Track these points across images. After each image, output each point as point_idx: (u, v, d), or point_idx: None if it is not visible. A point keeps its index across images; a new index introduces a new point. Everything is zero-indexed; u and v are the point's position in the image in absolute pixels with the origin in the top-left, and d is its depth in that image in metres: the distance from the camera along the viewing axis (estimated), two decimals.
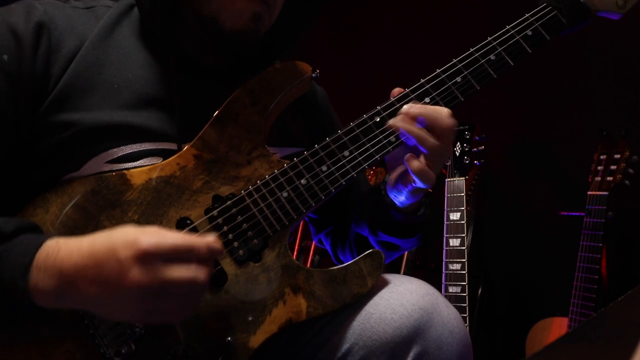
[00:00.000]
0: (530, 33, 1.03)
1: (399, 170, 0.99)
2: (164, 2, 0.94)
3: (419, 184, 0.95)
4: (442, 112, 0.93)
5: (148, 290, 0.72)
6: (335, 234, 1.20)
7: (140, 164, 0.90)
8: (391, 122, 0.95)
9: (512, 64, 1.02)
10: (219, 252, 0.76)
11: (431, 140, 0.92)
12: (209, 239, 0.76)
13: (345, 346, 0.88)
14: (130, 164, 0.89)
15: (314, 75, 1.00)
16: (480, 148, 2.14)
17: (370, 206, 1.09)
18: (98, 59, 0.92)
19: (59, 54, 0.90)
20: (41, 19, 0.89)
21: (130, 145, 0.90)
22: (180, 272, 0.73)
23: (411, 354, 0.84)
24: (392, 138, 0.96)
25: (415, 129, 0.93)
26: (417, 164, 0.93)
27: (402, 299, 0.87)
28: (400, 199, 1.02)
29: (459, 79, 1.00)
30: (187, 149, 0.92)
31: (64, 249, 0.76)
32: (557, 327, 2.00)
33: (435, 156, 0.94)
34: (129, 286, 0.72)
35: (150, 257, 0.72)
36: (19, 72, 0.86)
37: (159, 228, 0.78)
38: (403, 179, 0.98)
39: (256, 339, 0.87)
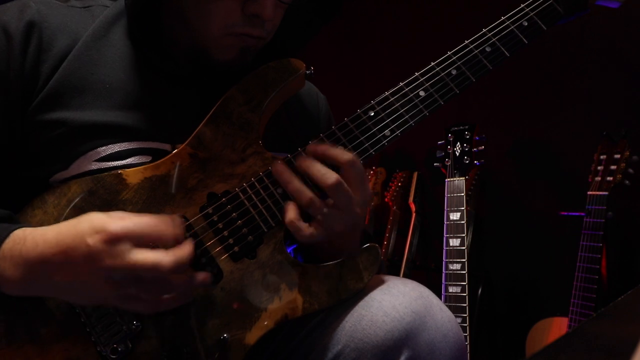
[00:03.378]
0: (525, 23, 1.03)
1: None
2: (138, 19, 0.94)
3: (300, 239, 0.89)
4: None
5: (117, 273, 0.74)
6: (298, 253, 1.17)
7: (129, 162, 0.90)
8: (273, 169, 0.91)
9: (507, 55, 1.02)
10: (182, 232, 0.79)
11: (306, 194, 0.87)
12: (175, 220, 0.78)
13: (337, 348, 0.87)
14: (118, 162, 0.90)
15: (307, 72, 1.00)
16: (480, 148, 2.14)
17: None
18: (91, 59, 0.93)
19: (50, 52, 0.90)
20: (32, 18, 0.90)
21: (118, 144, 0.90)
22: (146, 255, 0.74)
23: (402, 358, 0.83)
24: (386, 132, 0.96)
25: (296, 183, 0.88)
26: (290, 214, 0.87)
27: (394, 302, 0.86)
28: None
29: (453, 71, 0.99)
30: (182, 147, 0.92)
31: (29, 239, 0.77)
32: (557, 327, 2.00)
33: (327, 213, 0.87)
34: (98, 270, 0.74)
35: (117, 241, 0.74)
36: (7, 70, 0.87)
37: (123, 212, 0.79)
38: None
39: (252, 335, 0.87)
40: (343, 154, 0.89)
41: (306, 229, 0.87)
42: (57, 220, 0.85)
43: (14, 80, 0.88)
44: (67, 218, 0.86)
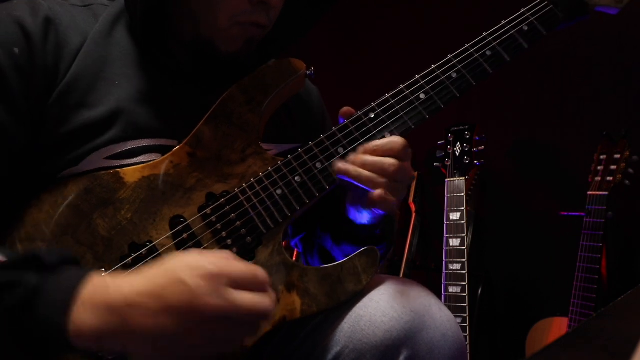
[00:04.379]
0: (526, 28, 1.03)
1: (357, 191, 0.95)
2: (144, 17, 0.94)
3: (380, 211, 0.93)
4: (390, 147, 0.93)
5: (222, 314, 0.67)
6: (306, 240, 1.17)
7: (139, 160, 0.90)
8: (337, 167, 0.93)
9: (508, 59, 1.02)
10: (269, 280, 0.73)
11: (380, 180, 0.91)
12: (262, 271, 0.73)
13: (336, 349, 0.87)
14: (129, 160, 0.89)
15: (308, 72, 1.01)
16: (480, 148, 2.14)
17: (333, 218, 1.06)
18: (101, 56, 0.93)
19: (66, 49, 0.90)
20: (48, 14, 0.89)
21: (130, 142, 0.90)
22: (251, 297, 0.68)
23: (401, 358, 0.82)
24: (386, 134, 0.96)
25: (364, 173, 0.91)
26: (377, 193, 0.90)
27: (392, 301, 0.86)
28: (361, 219, 0.99)
29: (454, 74, 0.99)
30: (181, 146, 0.92)
31: (112, 284, 0.69)
32: (557, 327, 2.00)
33: (393, 188, 0.92)
34: (196, 311, 0.66)
35: (217, 279, 0.67)
36: (31, 66, 0.86)
37: (212, 252, 0.73)
38: (363, 201, 0.95)
39: (250, 338, 0.86)
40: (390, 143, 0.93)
41: (392, 199, 0.91)
42: (52, 219, 0.85)
43: (38, 77, 0.86)
44: (62, 215, 0.85)
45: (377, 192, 0.90)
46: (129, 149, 0.89)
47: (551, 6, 1.05)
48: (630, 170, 1.92)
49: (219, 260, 0.69)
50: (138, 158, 0.90)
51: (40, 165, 0.88)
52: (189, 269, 0.67)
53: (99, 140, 0.88)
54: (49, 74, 0.88)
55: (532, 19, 1.04)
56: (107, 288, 0.68)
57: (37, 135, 0.88)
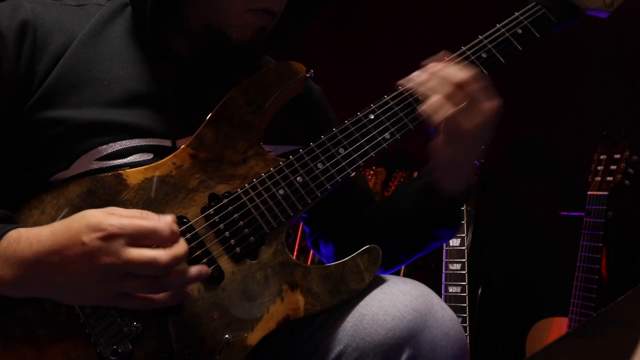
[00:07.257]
0: (520, 31, 1.06)
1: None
2: (155, 2, 0.94)
3: (438, 159, 0.97)
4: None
5: (113, 270, 0.73)
6: (337, 238, 1.16)
7: (130, 160, 0.90)
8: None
9: (503, 61, 1.04)
10: (177, 231, 0.78)
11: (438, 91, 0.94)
12: (168, 219, 0.77)
13: (339, 348, 0.87)
14: (120, 160, 0.89)
15: (308, 75, 1.02)
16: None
17: (419, 204, 1.06)
18: (88, 56, 0.93)
19: (45, 51, 0.90)
20: (26, 17, 0.90)
21: (119, 142, 0.90)
22: (142, 252, 0.73)
23: (404, 357, 0.83)
24: (386, 135, 0.97)
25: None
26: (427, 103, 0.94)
27: (395, 301, 0.86)
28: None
29: None
30: (183, 148, 0.92)
31: (24, 239, 0.76)
32: (557, 327, 2.00)
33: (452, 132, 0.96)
34: (94, 269, 0.73)
35: (113, 238, 0.73)
36: (0, 70, 0.87)
37: (118, 208, 0.78)
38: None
39: (254, 337, 0.87)
40: (460, 72, 0.94)
41: (446, 149, 0.96)
42: (54, 220, 0.84)
43: (8, 79, 0.87)
44: (63, 217, 0.85)
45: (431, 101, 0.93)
46: (118, 149, 0.90)
47: (544, 10, 1.08)
48: (630, 170, 1.92)
49: (119, 220, 0.74)
50: (128, 158, 0.90)
51: (31, 169, 0.89)
52: (90, 230, 0.73)
53: (87, 142, 0.89)
54: (22, 79, 0.88)
55: (526, 22, 1.06)
56: (18, 242, 0.76)
57: (21, 140, 0.88)
